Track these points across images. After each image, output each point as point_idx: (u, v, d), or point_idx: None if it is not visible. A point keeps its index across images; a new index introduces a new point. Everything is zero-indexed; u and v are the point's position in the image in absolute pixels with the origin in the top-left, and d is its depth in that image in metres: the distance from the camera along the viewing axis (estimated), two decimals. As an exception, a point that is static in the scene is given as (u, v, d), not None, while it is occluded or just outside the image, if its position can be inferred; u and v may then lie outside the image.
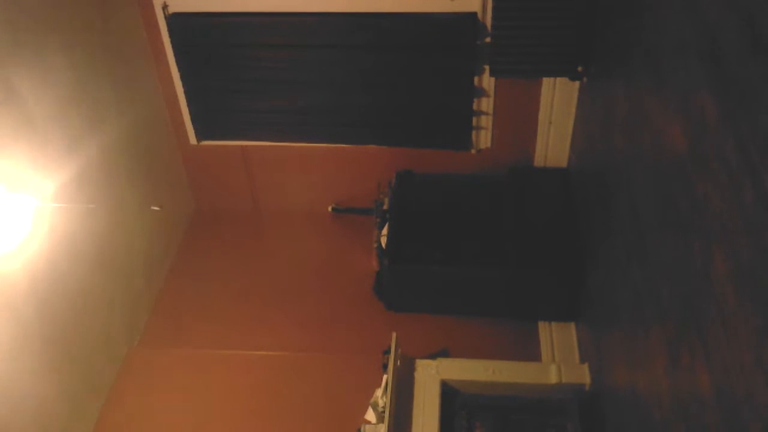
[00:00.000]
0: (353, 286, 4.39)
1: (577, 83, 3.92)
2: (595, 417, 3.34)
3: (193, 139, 4.60)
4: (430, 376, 3.56)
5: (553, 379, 3.51)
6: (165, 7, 3.98)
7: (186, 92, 4.36)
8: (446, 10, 3.80)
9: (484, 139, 4.37)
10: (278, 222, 4.95)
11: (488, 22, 3.77)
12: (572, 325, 4.00)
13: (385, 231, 4.12)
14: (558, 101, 4.10)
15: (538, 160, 4.42)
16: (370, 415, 3.57)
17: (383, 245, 4.06)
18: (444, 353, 3.84)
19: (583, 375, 3.54)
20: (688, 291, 2.14)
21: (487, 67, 3.96)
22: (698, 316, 2.07)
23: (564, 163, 4.34)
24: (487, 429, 3.49)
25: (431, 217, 4.17)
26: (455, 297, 4.07)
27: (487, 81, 4.08)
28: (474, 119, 4.26)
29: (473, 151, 4.41)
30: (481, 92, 4.15)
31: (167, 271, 4.63)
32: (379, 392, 3.59)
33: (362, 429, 3.48)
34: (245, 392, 3.82)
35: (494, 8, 3.57)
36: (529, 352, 3.93)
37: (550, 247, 3.88)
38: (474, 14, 3.81)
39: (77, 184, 3.46)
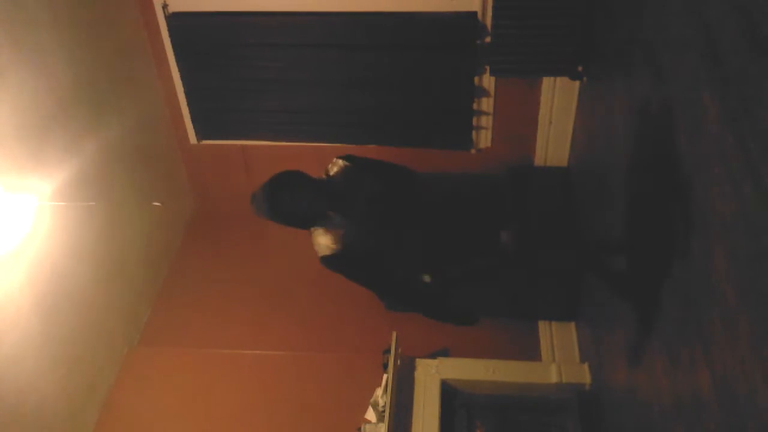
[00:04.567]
0: (353, 286, 4.37)
1: (577, 83, 3.92)
2: (595, 417, 3.34)
3: (193, 138, 4.60)
4: (430, 376, 3.56)
5: (553, 378, 3.52)
6: (165, 6, 3.98)
7: (186, 92, 4.36)
8: (446, 9, 3.80)
9: (484, 138, 4.36)
10: (278, 221, 4.95)
11: (488, 21, 3.76)
12: (572, 325, 4.00)
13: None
14: (558, 101, 4.09)
15: (538, 160, 4.42)
16: (371, 415, 3.57)
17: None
18: (444, 353, 3.84)
19: (583, 375, 3.54)
20: (688, 291, 2.14)
21: (487, 67, 3.95)
22: (698, 316, 2.06)
23: (564, 163, 4.33)
24: (488, 428, 3.49)
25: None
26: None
27: (487, 81, 4.08)
28: (474, 119, 4.26)
29: (473, 151, 4.41)
30: (481, 92, 4.15)
31: (167, 271, 4.62)
32: (379, 392, 3.59)
33: (362, 428, 3.48)
34: (245, 392, 3.82)
35: (494, 8, 3.57)
36: (529, 351, 3.93)
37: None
38: (474, 14, 3.80)
39: (77, 184, 3.45)
